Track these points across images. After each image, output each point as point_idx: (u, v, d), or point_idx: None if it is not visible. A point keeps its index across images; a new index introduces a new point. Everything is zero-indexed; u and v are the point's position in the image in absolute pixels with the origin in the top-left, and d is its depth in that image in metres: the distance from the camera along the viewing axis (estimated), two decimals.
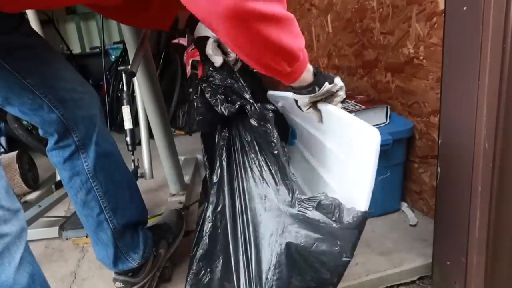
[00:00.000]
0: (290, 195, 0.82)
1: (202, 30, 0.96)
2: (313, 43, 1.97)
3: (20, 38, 0.94)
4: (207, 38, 0.93)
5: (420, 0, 1.31)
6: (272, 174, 0.85)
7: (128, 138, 1.59)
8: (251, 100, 0.87)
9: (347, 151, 0.84)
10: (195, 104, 0.96)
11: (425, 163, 1.45)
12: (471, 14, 0.91)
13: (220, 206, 0.91)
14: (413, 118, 1.45)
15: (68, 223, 1.59)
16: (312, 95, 0.86)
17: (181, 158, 1.82)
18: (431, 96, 1.35)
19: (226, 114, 0.88)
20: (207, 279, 0.90)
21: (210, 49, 0.93)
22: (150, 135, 1.71)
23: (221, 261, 0.88)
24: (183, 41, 2.54)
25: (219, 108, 0.89)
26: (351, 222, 0.76)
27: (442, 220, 1.13)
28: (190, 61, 2.26)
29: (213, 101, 0.90)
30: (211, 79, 0.92)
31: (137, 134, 1.72)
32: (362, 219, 0.76)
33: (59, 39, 3.15)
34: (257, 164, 0.87)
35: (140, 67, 1.41)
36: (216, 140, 0.95)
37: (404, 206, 1.55)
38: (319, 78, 0.85)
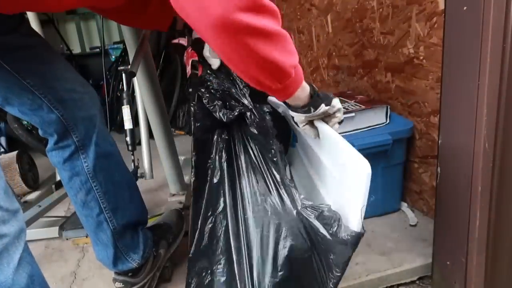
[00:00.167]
0: (296, 199, 0.82)
1: None
2: (313, 43, 1.97)
3: (20, 38, 0.94)
4: None
5: (420, 0, 1.31)
6: (274, 178, 0.85)
7: (128, 138, 1.59)
8: (250, 106, 0.87)
9: (340, 172, 0.85)
10: (193, 110, 0.94)
11: (425, 163, 1.45)
12: (471, 14, 0.91)
13: (221, 208, 0.91)
14: (413, 118, 1.45)
15: (68, 223, 1.59)
16: (308, 115, 0.85)
17: (181, 158, 1.82)
18: (431, 96, 1.35)
19: (225, 120, 0.87)
20: (207, 280, 0.90)
21: (207, 51, 0.93)
22: (150, 135, 1.71)
23: (222, 262, 0.88)
24: (183, 41, 2.53)
25: (217, 114, 0.88)
26: (346, 239, 0.77)
27: (442, 220, 1.13)
28: (190, 61, 2.26)
29: (211, 107, 0.89)
30: (209, 83, 0.91)
31: (137, 134, 1.72)
32: (356, 239, 0.77)
33: (59, 39, 3.14)
34: (258, 167, 0.87)
35: (140, 67, 1.41)
36: (215, 141, 0.94)
37: (404, 206, 1.55)
38: (316, 99, 0.84)
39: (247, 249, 0.85)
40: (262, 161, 0.86)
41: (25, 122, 2.25)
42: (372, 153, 1.39)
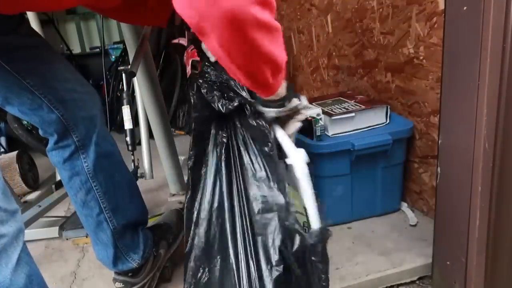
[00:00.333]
0: (285, 200, 0.82)
1: None
2: (313, 43, 1.97)
3: (20, 38, 0.94)
4: None
5: (420, 0, 1.31)
6: (267, 175, 0.84)
7: (128, 138, 1.59)
8: (248, 98, 0.86)
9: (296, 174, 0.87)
10: (192, 100, 0.93)
11: (425, 163, 1.45)
12: (471, 14, 0.91)
13: (216, 205, 0.91)
14: (413, 118, 1.45)
15: (68, 223, 1.59)
16: (281, 109, 0.84)
17: (181, 158, 1.82)
18: (431, 96, 1.35)
19: (223, 111, 0.86)
20: (206, 278, 0.89)
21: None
22: (150, 135, 1.71)
23: (219, 260, 0.88)
24: (183, 41, 2.54)
25: (216, 104, 0.87)
26: (315, 241, 0.80)
27: (442, 220, 1.13)
28: (190, 61, 2.26)
29: (210, 97, 0.88)
30: (207, 75, 0.91)
31: (137, 134, 1.72)
32: (321, 236, 0.81)
33: (59, 39, 3.14)
34: (255, 162, 0.86)
35: (140, 67, 1.41)
36: (213, 133, 0.93)
37: (404, 206, 1.55)
38: (290, 93, 0.84)
39: (244, 245, 0.85)
40: (259, 154, 0.86)
41: (25, 122, 2.25)
42: (372, 153, 1.39)
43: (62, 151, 1.04)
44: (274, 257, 0.81)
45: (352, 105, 1.46)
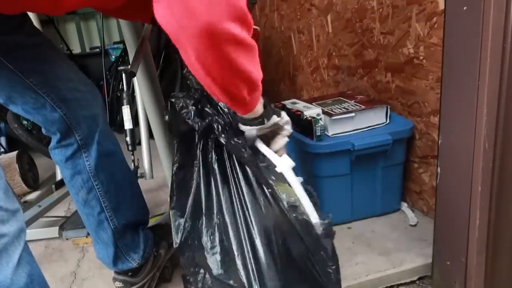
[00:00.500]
0: (282, 199, 0.82)
1: None
2: (313, 43, 1.97)
3: (23, 37, 0.94)
4: None
5: (420, 0, 1.31)
6: (259, 181, 0.85)
7: (128, 138, 1.59)
8: (223, 110, 0.86)
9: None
10: (166, 118, 0.93)
11: (425, 163, 1.45)
12: (471, 14, 0.91)
13: (214, 208, 0.90)
14: (413, 118, 1.45)
15: (68, 223, 1.59)
16: (260, 126, 0.84)
17: None
18: (431, 96, 1.35)
19: (196, 129, 0.86)
20: (205, 278, 0.90)
21: None
22: (150, 135, 1.71)
23: (219, 260, 0.88)
24: None
25: (190, 122, 0.87)
26: (321, 233, 0.81)
27: (442, 220, 1.13)
28: None
29: (184, 114, 0.87)
30: (189, 81, 0.90)
31: (137, 134, 1.72)
32: (327, 229, 0.81)
33: (59, 39, 3.14)
34: (245, 169, 0.86)
35: (140, 67, 1.41)
36: (200, 138, 0.92)
37: (404, 206, 1.55)
38: (268, 110, 0.85)
39: (244, 247, 0.85)
40: (240, 164, 0.86)
41: (25, 122, 2.24)
42: (372, 153, 1.39)
43: (64, 149, 1.04)
44: (276, 260, 0.81)
45: (352, 105, 1.46)
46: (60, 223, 1.60)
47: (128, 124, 1.61)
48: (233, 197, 0.88)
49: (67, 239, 1.55)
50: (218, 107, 0.87)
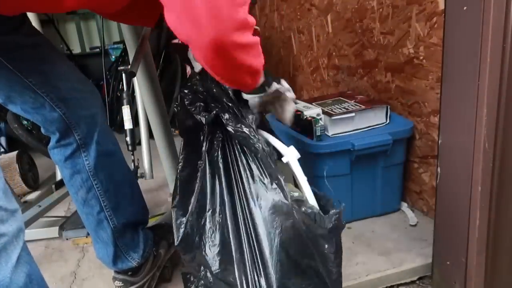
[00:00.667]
0: (285, 195, 0.82)
1: None
2: (313, 43, 1.97)
3: (22, 37, 0.94)
4: None
5: (420, 0, 1.31)
6: (264, 174, 0.85)
7: (128, 138, 1.59)
8: (228, 105, 0.87)
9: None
10: (176, 110, 0.95)
11: (425, 163, 1.45)
12: (471, 14, 0.91)
13: (218, 206, 0.90)
14: (413, 118, 1.45)
15: (68, 223, 1.59)
16: (262, 94, 0.89)
17: None
18: (431, 96, 1.35)
19: (204, 122, 0.89)
20: (205, 276, 0.90)
21: (191, 53, 0.94)
22: (150, 135, 1.71)
23: (220, 258, 0.88)
24: None
25: (198, 116, 0.90)
26: (330, 226, 0.83)
27: (442, 220, 1.13)
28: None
29: (192, 109, 0.90)
30: (193, 84, 0.92)
31: (137, 134, 1.72)
32: (337, 223, 0.84)
33: (59, 39, 3.14)
34: (250, 163, 0.87)
35: (140, 67, 1.41)
36: (202, 140, 0.93)
37: (404, 206, 1.55)
38: (268, 79, 0.89)
39: (244, 245, 0.85)
40: (253, 159, 0.87)
41: (25, 122, 2.24)
42: (372, 153, 1.39)
43: (63, 149, 1.04)
44: (276, 256, 0.81)
45: (352, 105, 1.46)
46: (60, 223, 1.60)
47: (128, 124, 1.61)
48: (236, 195, 0.88)
49: (67, 239, 1.55)
50: (224, 103, 0.89)
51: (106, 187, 1.07)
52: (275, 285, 0.81)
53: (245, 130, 0.84)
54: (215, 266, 0.87)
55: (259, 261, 0.83)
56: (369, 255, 1.31)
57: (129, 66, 1.28)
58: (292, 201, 0.81)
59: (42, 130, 1.04)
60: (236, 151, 0.89)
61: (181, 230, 0.91)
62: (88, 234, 1.46)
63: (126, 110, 1.60)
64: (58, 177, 2.00)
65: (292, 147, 0.88)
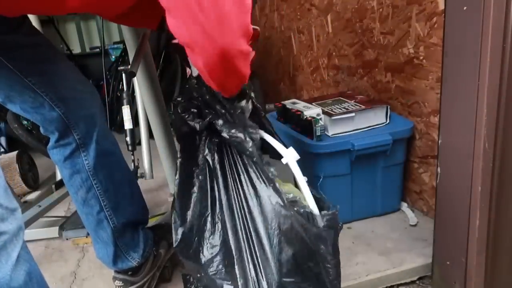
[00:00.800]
0: (281, 196, 0.82)
1: None
2: (313, 43, 1.98)
3: (22, 37, 0.94)
4: None
5: (420, 0, 1.31)
6: (260, 177, 0.85)
7: (128, 138, 1.59)
8: (221, 112, 0.87)
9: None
10: (171, 118, 0.96)
11: (425, 163, 1.45)
12: (471, 14, 0.91)
13: (217, 208, 0.91)
14: (413, 118, 1.45)
15: (68, 223, 1.59)
16: None
17: None
18: (431, 96, 1.35)
19: (197, 129, 0.89)
20: (205, 277, 0.90)
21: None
22: (150, 135, 1.71)
23: (219, 259, 0.88)
24: None
25: (192, 123, 0.90)
26: (325, 224, 0.81)
27: (442, 220, 1.13)
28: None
29: (186, 116, 0.91)
30: (189, 89, 0.93)
31: (137, 134, 1.72)
32: (333, 221, 0.81)
33: (59, 39, 3.14)
34: (247, 166, 0.87)
35: (140, 67, 1.41)
36: (203, 142, 0.93)
37: (404, 206, 1.55)
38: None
39: (243, 246, 0.85)
40: (241, 161, 0.87)
41: (25, 122, 2.25)
42: (372, 153, 1.39)
43: (63, 149, 1.04)
44: (276, 257, 0.81)
45: (352, 105, 1.46)
46: (60, 223, 1.60)
47: (128, 124, 1.61)
48: (234, 197, 0.88)
49: (67, 239, 1.55)
50: (217, 110, 0.89)
51: (106, 187, 1.07)
52: (274, 285, 0.81)
53: (239, 135, 0.84)
54: (214, 267, 0.87)
55: (259, 262, 0.83)
56: (369, 255, 1.31)
57: (129, 66, 1.28)
58: (288, 202, 0.81)
59: (41, 130, 1.04)
60: (233, 155, 0.89)
61: (180, 232, 0.91)
62: (88, 234, 1.46)
63: (126, 110, 1.60)
64: (58, 177, 2.00)
65: (291, 148, 0.88)
